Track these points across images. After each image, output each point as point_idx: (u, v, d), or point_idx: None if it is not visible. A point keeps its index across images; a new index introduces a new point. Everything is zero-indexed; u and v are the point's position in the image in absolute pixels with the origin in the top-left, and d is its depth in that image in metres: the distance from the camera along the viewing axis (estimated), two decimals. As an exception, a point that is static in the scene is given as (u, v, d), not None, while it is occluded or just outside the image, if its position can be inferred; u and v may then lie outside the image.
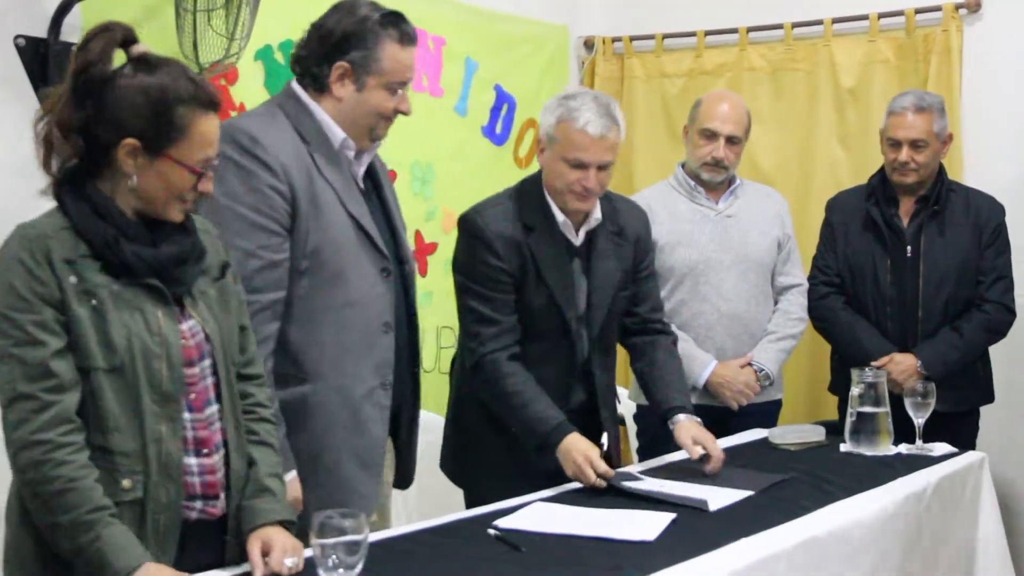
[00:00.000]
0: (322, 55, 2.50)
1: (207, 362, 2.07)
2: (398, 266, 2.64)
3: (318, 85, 2.51)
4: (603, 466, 2.70)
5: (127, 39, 2.00)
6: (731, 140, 3.64)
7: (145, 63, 1.98)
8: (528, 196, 2.90)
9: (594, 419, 2.96)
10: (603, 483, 2.67)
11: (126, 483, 1.95)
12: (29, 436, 1.88)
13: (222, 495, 2.09)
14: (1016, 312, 3.65)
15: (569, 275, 2.89)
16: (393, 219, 2.69)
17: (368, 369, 2.56)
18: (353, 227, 2.51)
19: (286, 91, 2.57)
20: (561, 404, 2.86)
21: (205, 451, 2.05)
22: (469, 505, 2.92)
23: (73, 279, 1.92)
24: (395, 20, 2.52)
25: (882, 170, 3.72)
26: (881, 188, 3.69)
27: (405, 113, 2.58)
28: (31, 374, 1.88)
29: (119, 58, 2.01)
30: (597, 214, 2.89)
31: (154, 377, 1.96)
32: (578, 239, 2.90)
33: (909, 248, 3.61)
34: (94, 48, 1.95)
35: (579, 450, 2.70)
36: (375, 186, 2.68)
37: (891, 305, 3.64)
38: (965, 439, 3.45)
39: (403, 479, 2.82)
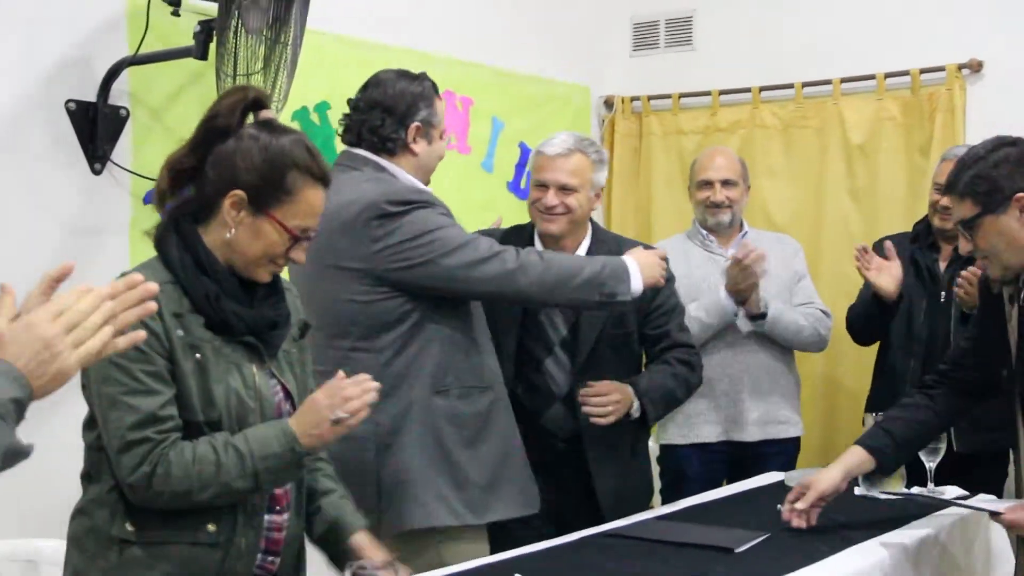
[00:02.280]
0: (397, 120, 2.60)
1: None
2: None
3: (392, 147, 2.60)
4: None
5: (258, 103, 1.99)
6: (726, 183, 3.65)
7: (270, 126, 1.98)
8: (522, 229, 3.07)
9: (581, 456, 2.92)
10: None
11: (211, 527, 1.91)
12: (149, 469, 1.84)
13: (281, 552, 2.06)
14: None
15: None
16: None
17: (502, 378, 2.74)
18: None
19: (356, 157, 2.62)
20: (551, 436, 2.91)
21: (277, 508, 2.02)
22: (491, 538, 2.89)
23: (180, 332, 1.88)
24: (431, 80, 2.70)
25: (927, 216, 3.70)
26: (925, 233, 3.68)
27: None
28: (142, 421, 1.84)
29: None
30: (582, 249, 2.94)
31: None
32: None
33: (943, 293, 3.56)
34: (225, 102, 1.95)
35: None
36: None
37: (919, 344, 3.58)
38: (992, 482, 3.37)
39: None
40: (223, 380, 1.91)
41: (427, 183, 2.68)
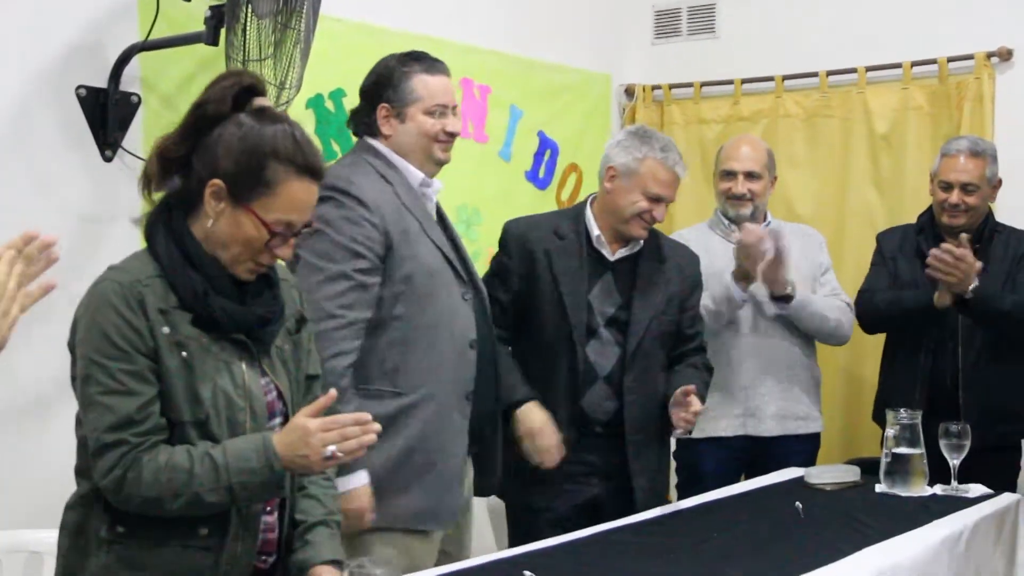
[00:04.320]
0: (367, 106, 2.69)
1: (278, 420, 1.96)
2: (475, 292, 2.69)
3: (373, 131, 2.67)
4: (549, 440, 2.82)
5: (254, 89, 1.91)
6: (750, 176, 3.56)
7: (261, 114, 1.88)
8: (567, 212, 3.17)
9: (619, 441, 2.93)
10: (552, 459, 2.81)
11: (203, 530, 1.85)
12: (120, 473, 1.78)
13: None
14: None
15: (583, 284, 2.94)
16: (463, 251, 2.75)
17: (457, 382, 2.60)
18: (439, 254, 2.61)
19: (362, 145, 2.70)
20: (588, 420, 2.92)
21: (269, 509, 1.96)
22: (510, 515, 3.04)
23: (166, 329, 1.81)
24: (415, 55, 2.69)
25: (930, 209, 3.61)
26: (930, 225, 3.59)
27: (454, 132, 2.70)
28: (119, 424, 1.78)
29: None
30: (640, 241, 3.01)
31: (238, 430, 1.86)
32: (613, 255, 2.98)
33: None
34: (217, 88, 1.87)
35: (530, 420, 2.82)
36: (443, 223, 2.76)
37: (928, 338, 3.49)
38: (1005, 475, 3.30)
39: (483, 488, 2.83)
40: (211, 379, 1.84)
41: (432, 163, 2.68)
